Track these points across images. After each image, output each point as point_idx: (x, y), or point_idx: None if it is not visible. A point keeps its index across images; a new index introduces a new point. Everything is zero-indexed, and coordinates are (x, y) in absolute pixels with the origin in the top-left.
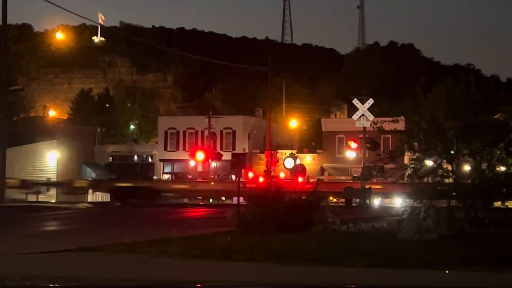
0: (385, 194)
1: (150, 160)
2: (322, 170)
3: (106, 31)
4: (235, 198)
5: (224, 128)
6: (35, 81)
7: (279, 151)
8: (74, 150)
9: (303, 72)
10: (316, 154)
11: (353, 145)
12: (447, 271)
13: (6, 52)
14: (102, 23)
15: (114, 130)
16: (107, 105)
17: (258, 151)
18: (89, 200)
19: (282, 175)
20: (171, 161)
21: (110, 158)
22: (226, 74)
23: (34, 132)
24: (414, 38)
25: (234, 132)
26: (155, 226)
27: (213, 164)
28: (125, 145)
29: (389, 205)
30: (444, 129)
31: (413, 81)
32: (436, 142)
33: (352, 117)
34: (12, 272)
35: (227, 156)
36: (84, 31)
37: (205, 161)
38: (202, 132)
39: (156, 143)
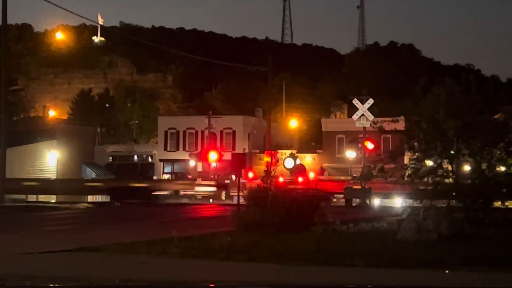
0: (386, 195)
1: (150, 160)
2: (322, 170)
3: (106, 31)
4: (235, 198)
5: (224, 128)
6: (35, 81)
7: (279, 151)
8: (74, 150)
9: (303, 72)
10: (316, 154)
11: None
12: (447, 271)
13: (6, 52)
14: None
15: (114, 130)
16: (107, 105)
17: (258, 151)
18: (89, 200)
19: (281, 179)
20: (171, 161)
21: (110, 158)
22: (226, 74)
23: (34, 132)
24: (414, 38)
25: (234, 132)
26: (155, 226)
27: (213, 164)
28: (125, 145)
29: (389, 205)
30: (444, 129)
31: (413, 81)
32: (436, 142)
33: (352, 117)
34: (12, 272)
35: (227, 156)
36: (84, 31)
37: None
38: (202, 132)
39: (156, 143)
